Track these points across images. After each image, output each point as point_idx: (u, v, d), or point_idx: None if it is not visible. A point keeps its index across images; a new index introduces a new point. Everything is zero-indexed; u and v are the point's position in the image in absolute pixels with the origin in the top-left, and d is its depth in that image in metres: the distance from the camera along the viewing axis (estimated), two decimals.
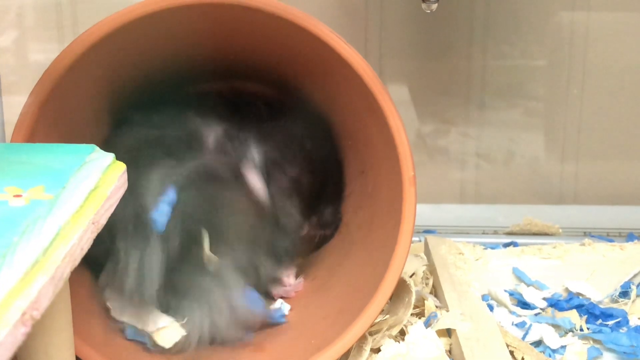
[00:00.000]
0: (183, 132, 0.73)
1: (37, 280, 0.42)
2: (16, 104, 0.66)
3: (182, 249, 0.68)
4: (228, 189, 0.71)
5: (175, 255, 0.67)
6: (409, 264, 0.78)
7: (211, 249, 0.68)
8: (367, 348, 0.68)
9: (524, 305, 0.79)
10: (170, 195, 0.67)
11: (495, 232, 0.97)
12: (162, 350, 0.68)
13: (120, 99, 0.74)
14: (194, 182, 0.69)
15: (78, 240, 0.47)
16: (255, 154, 0.76)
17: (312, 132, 0.79)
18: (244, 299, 0.69)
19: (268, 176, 0.76)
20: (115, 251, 0.67)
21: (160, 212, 0.67)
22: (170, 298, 0.69)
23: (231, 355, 0.69)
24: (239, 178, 0.74)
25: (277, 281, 0.78)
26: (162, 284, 0.66)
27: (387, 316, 0.72)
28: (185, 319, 0.68)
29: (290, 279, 0.79)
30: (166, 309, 0.69)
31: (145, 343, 0.69)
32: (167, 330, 0.68)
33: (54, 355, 0.51)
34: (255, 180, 0.74)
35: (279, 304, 0.77)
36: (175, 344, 0.68)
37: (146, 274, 0.66)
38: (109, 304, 0.70)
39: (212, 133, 0.74)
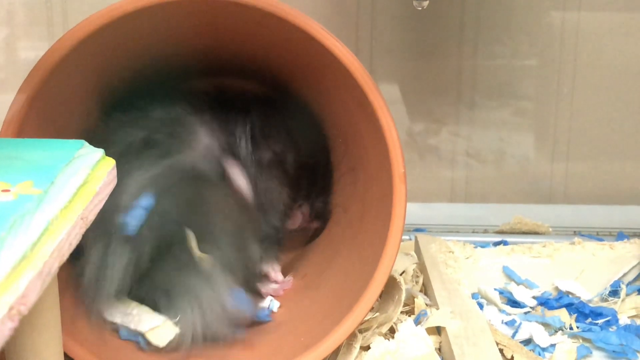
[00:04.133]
0: (172, 128, 0.73)
1: (25, 275, 0.41)
2: (6, 101, 0.66)
3: (164, 251, 0.68)
4: (210, 187, 0.71)
5: (148, 259, 0.68)
6: (399, 262, 0.78)
7: (198, 246, 0.68)
8: (357, 345, 0.68)
9: (514, 303, 0.79)
10: (147, 200, 0.68)
11: (486, 231, 0.97)
12: (156, 349, 0.68)
13: (109, 94, 0.74)
14: (175, 182, 0.69)
15: (66, 235, 0.46)
16: (242, 146, 0.76)
17: (303, 127, 0.79)
18: (232, 298, 0.69)
19: (257, 167, 0.76)
20: (83, 247, 0.67)
21: (134, 215, 0.67)
22: (159, 297, 0.69)
23: (221, 352, 0.69)
24: (223, 175, 0.74)
25: (264, 277, 0.78)
26: (127, 286, 0.68)
27: (377, 314, 0.72)
28: (178, 317, 0.68)
29: (277, 275, 0.79)
30: (157, 308, 0.69)
31: (139, 342, 0.69)
32: (160, 329, 0.68)
33: (41, 351, 0.51)
34: (238, 178, 0.74)
35: (268, 301, 0.77)
36: (170, 342, 0.68)
37: (107, 273, 0.67)
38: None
39: (201, 129, 0.74)
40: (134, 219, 0.67)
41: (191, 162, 0.71)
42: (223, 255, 0.69)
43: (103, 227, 0.66)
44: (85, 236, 0.49)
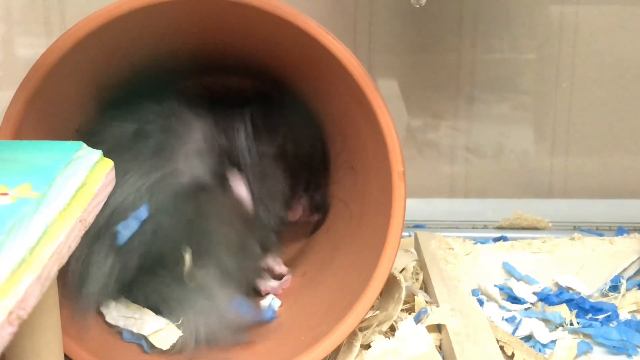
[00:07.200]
0: (165, 121, 0.73)
1: (24, 279, 0.41)
2: (3, 99, 0.66)
3: (157, 265, 0.68)
4: (207, 198, 0.71)
5: (134, 271, 0.68)
6: (398, 259, 0.78)
7: (196, 261, 0.68)
8: (357, 344, 0.68)
9: (514, 299, 0.79)
10: (142, 212, 0.68)
11: (485, 227, 0.97)
12: (159, 352, 0.68)
13: (108, 94, 0.74)
14: (171, 196, 0.69)
15: (65, 238, 0.46)
16: (241, 138, 0.76)
17: (301, 122, 0.79)
18: (230, 307, 0.69)
19: (256, 158, 0.76)
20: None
21: (127, 226, 0.67)
22: (158, 304, 0.69)
23: (222, 351, 0.69)
24: (219, 176, 0.73)
25: (266, 271, 0.78)
26: (111, 291, 0.68)
27: (377, 312, 0.72)
28: (181, 320, 0.68)
29: (281, 268, 0.79)
30: (159, 312, 0.69)
31: (142, 345, 0.69)
32: (163, 332, 0.68)
33: (42, 354, 0.51)
34: (240, 189, 0.74)
35: (269, 299, 0.77)
36: (173, 345, 0.68)
37: (89, 273, 0.67)
38: (102, 310, 0.70)
39: (196, 122, 0.74)
40: (126, 229, 0.67)
41: (187, 169, 0.71)
42: (222, 266, 0.69)
43: (92, 234, 0.66)
44: None
